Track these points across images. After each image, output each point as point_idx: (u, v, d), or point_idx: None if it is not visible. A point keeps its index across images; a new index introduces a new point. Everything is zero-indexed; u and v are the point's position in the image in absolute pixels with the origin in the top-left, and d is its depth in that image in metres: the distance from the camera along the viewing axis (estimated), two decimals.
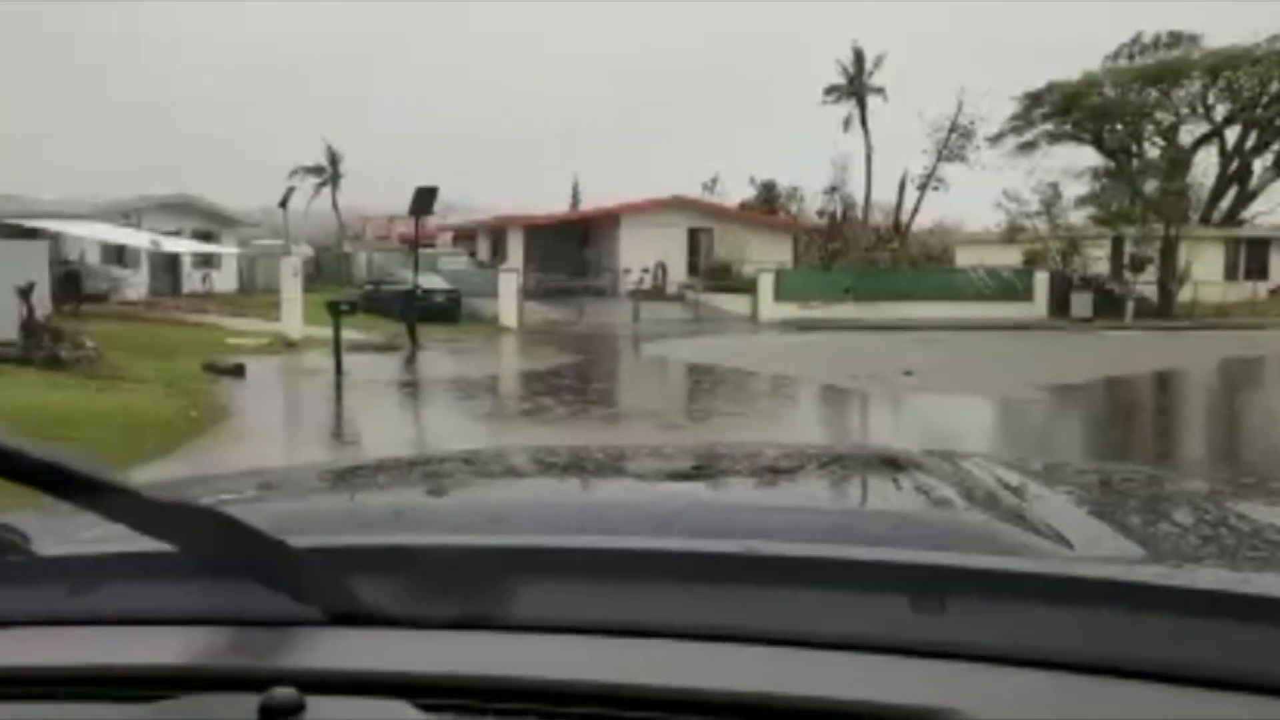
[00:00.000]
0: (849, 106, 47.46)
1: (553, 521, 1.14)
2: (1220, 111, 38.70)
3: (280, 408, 14.84)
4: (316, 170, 60.41)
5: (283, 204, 31.91)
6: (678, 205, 38.58)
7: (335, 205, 60.81)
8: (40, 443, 0.73)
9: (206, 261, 36.29)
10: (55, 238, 28.28)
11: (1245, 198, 40.20)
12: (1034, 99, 39.72)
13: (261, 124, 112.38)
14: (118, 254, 31.98)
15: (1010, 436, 12.63)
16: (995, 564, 0.87)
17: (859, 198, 45.84)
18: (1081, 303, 31.83)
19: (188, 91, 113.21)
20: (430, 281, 28.17)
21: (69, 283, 25.58)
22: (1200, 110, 38.82)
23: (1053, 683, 0.73)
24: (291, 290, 23.12)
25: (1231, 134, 39.24)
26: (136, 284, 32.04)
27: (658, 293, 34.88)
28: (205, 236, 36.42)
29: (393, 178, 71.53)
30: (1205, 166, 38.33)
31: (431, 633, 0.81)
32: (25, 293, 15.07)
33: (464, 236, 45.88)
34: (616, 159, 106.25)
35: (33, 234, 24.78)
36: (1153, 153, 38.44)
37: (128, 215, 33.09)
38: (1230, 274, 35.86)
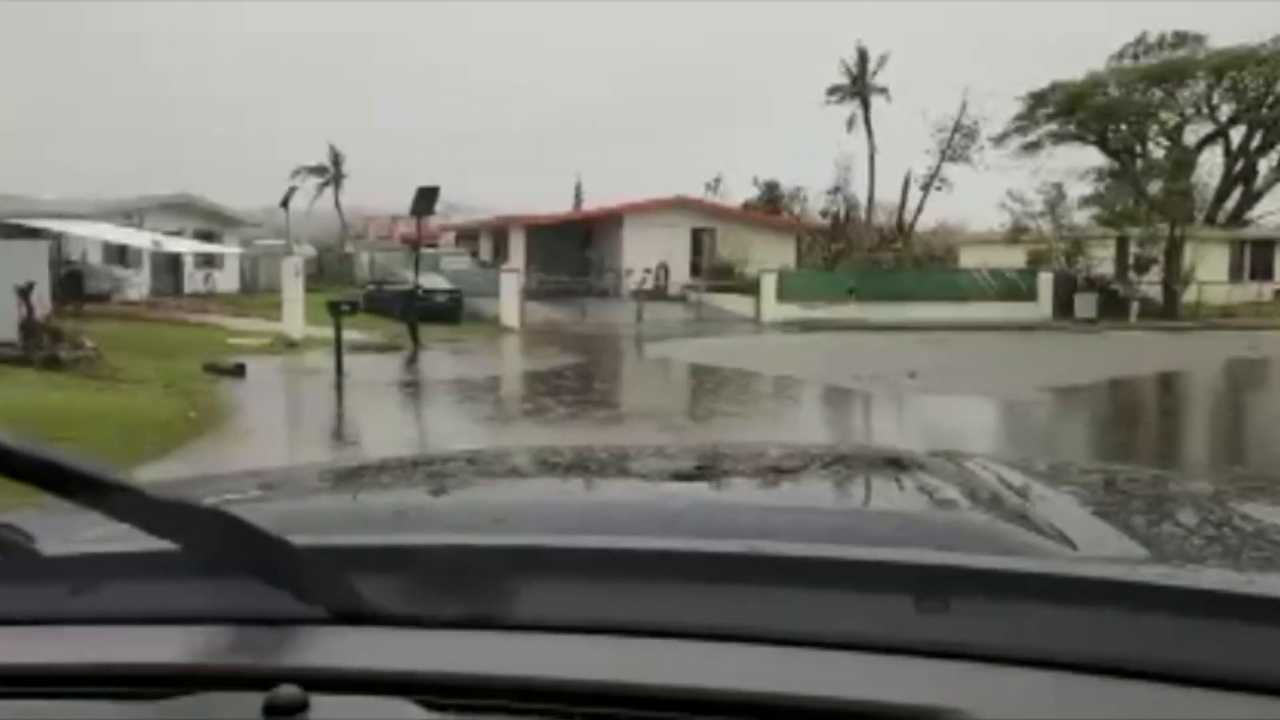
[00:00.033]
0: (852, 106, 47.40)
1: (556, 521, 1.14)
2: (1225, 111, 38.61)
3: (280, 409, 14.76)
4: (319, 170, 60.42)
5: (284, 204, 31.84)
6: (680, 205, 38.49)
7: (338, 205, 60.80)
8: (40, 443, 0.73)
9: (209, 261, 36.27)
10: (58, 238, 28.26)
11: (1250, 198, 40.09)
12: (1038, 99, 39.61)
13: (264, 124, 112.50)
14: (120, 254, 31.96)
15: (1015, 439, 12.54)
16: (999, 564, 0.87)
17: (862, 198, 45.79)
18: (1086, 303, 31.71)
19: (190, 92, 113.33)
20: (432, 281, 28.10)
21: (71, 283, 25.58)
22: (1205, 110, 38.70)
23: (1057, 683, 0.72)
24: (293, 290, 23.07)
25: (1236, 134, 39.18)
26: (138, 284, 32.01)
27: (660, 293, 34.79)
28: (207, 237, 36.39)
29: (395, 178, 71.46)
30: (1210, 167, 38.32)
31: (435, 632, 0.81)
32: (24, 293, 15.01)
33: (466, 236, 45.84)
34: (620, 159, 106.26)
35: (34, 234, 24.73)
36: (1157, 153, 38.30)
37: (130, 215, 33.06)
38: (1235, 275, 35.77)
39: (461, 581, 0.85)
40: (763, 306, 32.21)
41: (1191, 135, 38.61)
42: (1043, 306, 32.53)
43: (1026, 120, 40.23)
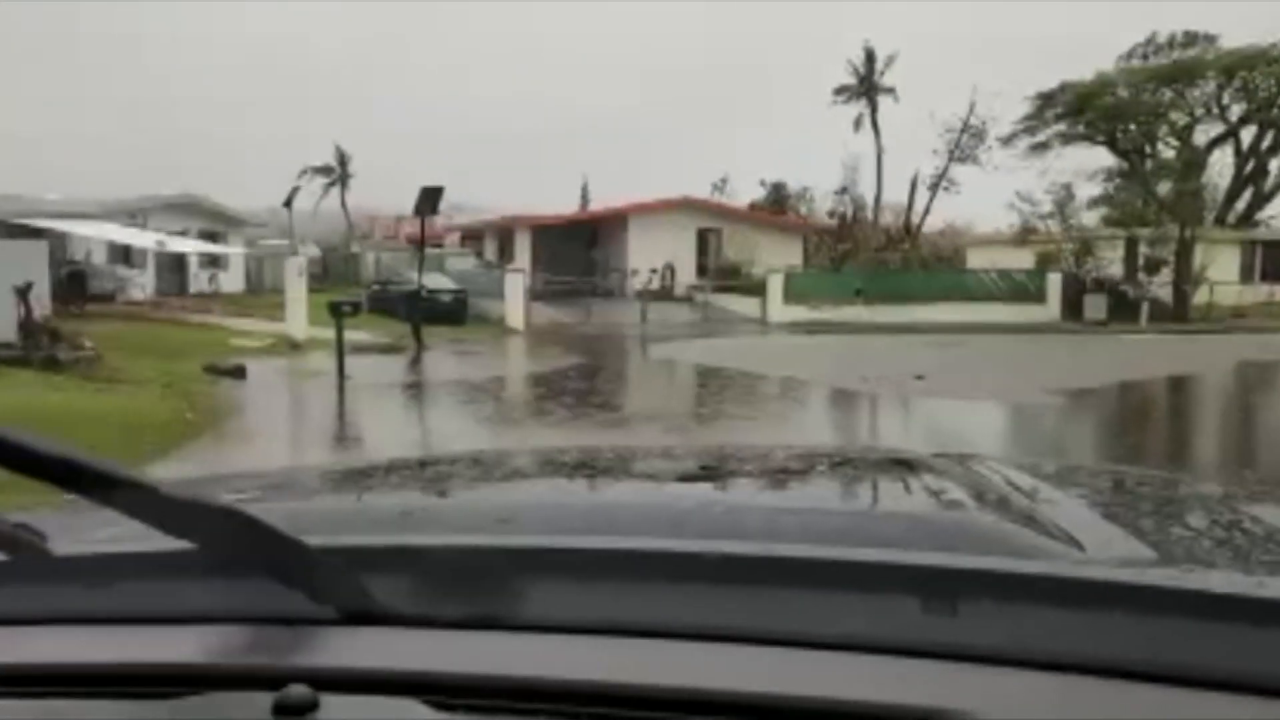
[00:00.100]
0: (859, 106, 47.19)
1: (564, 522, 1.15)
2: (1236, 111, 38.28)
3: (279, 410, 14.61)
4: (325, 170, 60.38)
5: (287, 204, 31.71)
6: (686, 206, 38.31)
7: (344, 205, 60.76)
8: (58, 441, 0.74)
9: (213, 262, 36.20)
10: (61, 238, 28.19)
11: (1261, 199, 39.80)
12: (1046, 99, 39.37)
13: (269, 124, 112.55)
14: (124, 254, 31.88)
15: (1024, 443, 12.35)
16: (1006, 566, 0.87)
17: (869, 198, 45.59)
18: (1095, 305, 31.44)
19: (195, 92, 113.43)
20: (436, 282, 27.97)
21: (74, 283, 25.50)
22: (1215, 110, 38.41)
23: (1064, 685, 0.73)
24: (296, 291, 22.95)
25: (1247, 134, 38.85)
26: (142, 284, 31.96)
27: (666, 294, 34.63)
28: (211, 237, 36.32)
29: (401, 178, 71.47)
30: (1220, 167, 38.04)
31: (444, 632, 0.82)
32: (23, 293, 14.88)
33: (471, 236, 45.69)
34: (626, 159, 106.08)
35: (37, 234, 24.66)
36: (1167, 153, 38.06)
37: (134, 215, 32.98)
38: (1246, 276, 35.46)
39: (470, 582, 0.85)
40: (769, 307, 32.00)
41: (1201, 135, 38.34)
42: (1051, 308, 32.25)
43: (1035, 120, 39.99)
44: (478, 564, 0.88)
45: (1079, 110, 38.17)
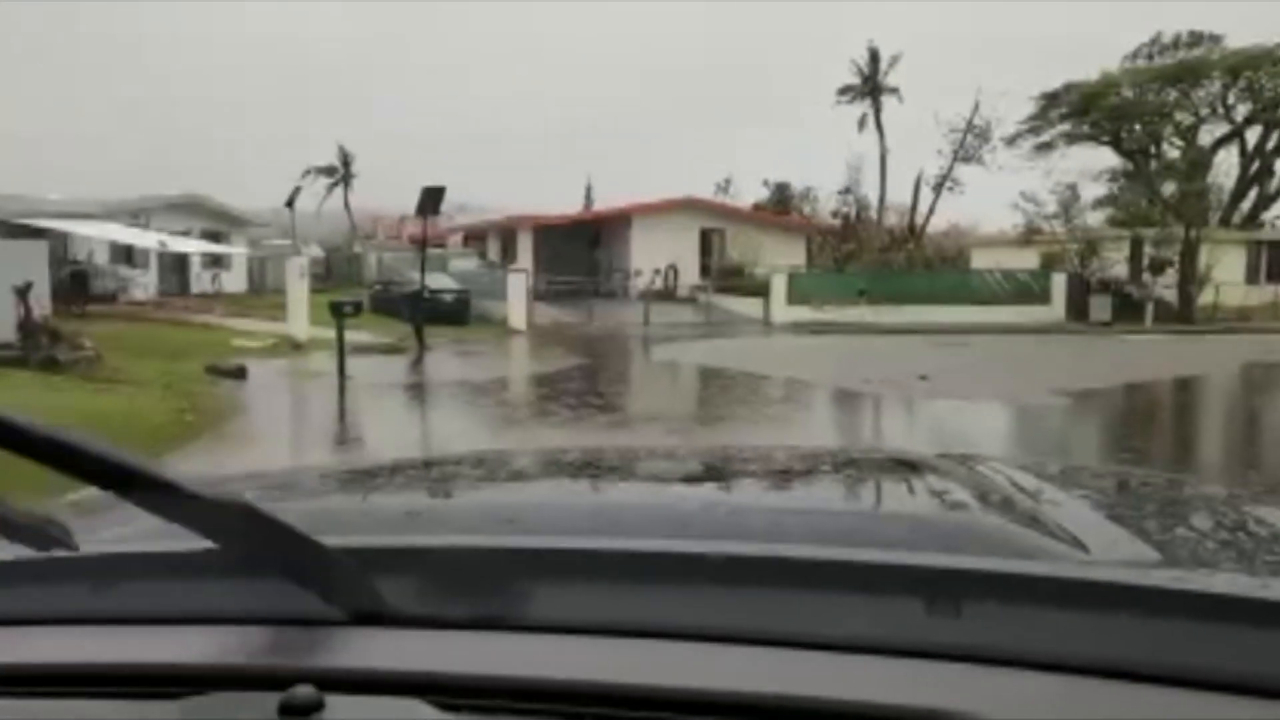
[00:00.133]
0: (864, 106, 47.07)
1: (569, 523, 1.16)
2: (1241, 112, 38.13)
3: (278, 412, 14.52)
4: (329, 170, 60.34)
5: (289, 204, 31.70)
6: (690, 206, 38.22)
7: (347, 206, 60.70)
8: (85, 435, 0.75)
9: (216, 262, 36.17)
10: (64, 238, 28.16)
11: (1266, 199, 39.61)
12: (1051, 99, 39.26)
13: (273, 125, 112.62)
14: (126, 254, 31.85)
15: (1029, 445, 12.25)
16: (1011, 567, 0.87)
17: (873, 199, 45.46)
18: (1100, 306, 31.31)
19: (199, 92, 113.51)
20: (439, 282, 27.92)
21: (76, 283, 25.45)
22: (1221, 111, 38.25)
23: (1068, 686, 0.73)
24: (298, 291, 22.89)
25: (1252, 135, 38.65)
26: (145, 284, 31.92)
27: (669, 294, 34.55)
28: (214, 237, 36.29)
29: (405, 178, 71.49)
30: (1226, 167, 37.83)
31: (449, 633, 0.82)
32: (22, 293, 14.81)
33: (475, 237, 45.64)
34: (630, 160, 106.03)
35: (40, 234, 24.62)
36: (1172, 154, 37.89)
37: (136, 215, 32.97)
38: (1251, 277, 35.30)
39: (476, 583, 0.85)
40: (772, 308, 31.88)
41: (1207, 136, 38.17)
42: (1056, 309, 32.13)
43: (1039, 120, 39.88)
44: (484, 565, 0.88)
45: (1084, 110, 38.06)
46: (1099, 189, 36.98)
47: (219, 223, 37.71)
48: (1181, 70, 37.36)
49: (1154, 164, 37.29)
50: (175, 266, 34.72)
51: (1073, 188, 34.85)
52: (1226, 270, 32.25)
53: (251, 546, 0.81)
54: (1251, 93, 37.41)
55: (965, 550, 0.93)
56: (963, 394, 15.81)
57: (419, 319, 22.15)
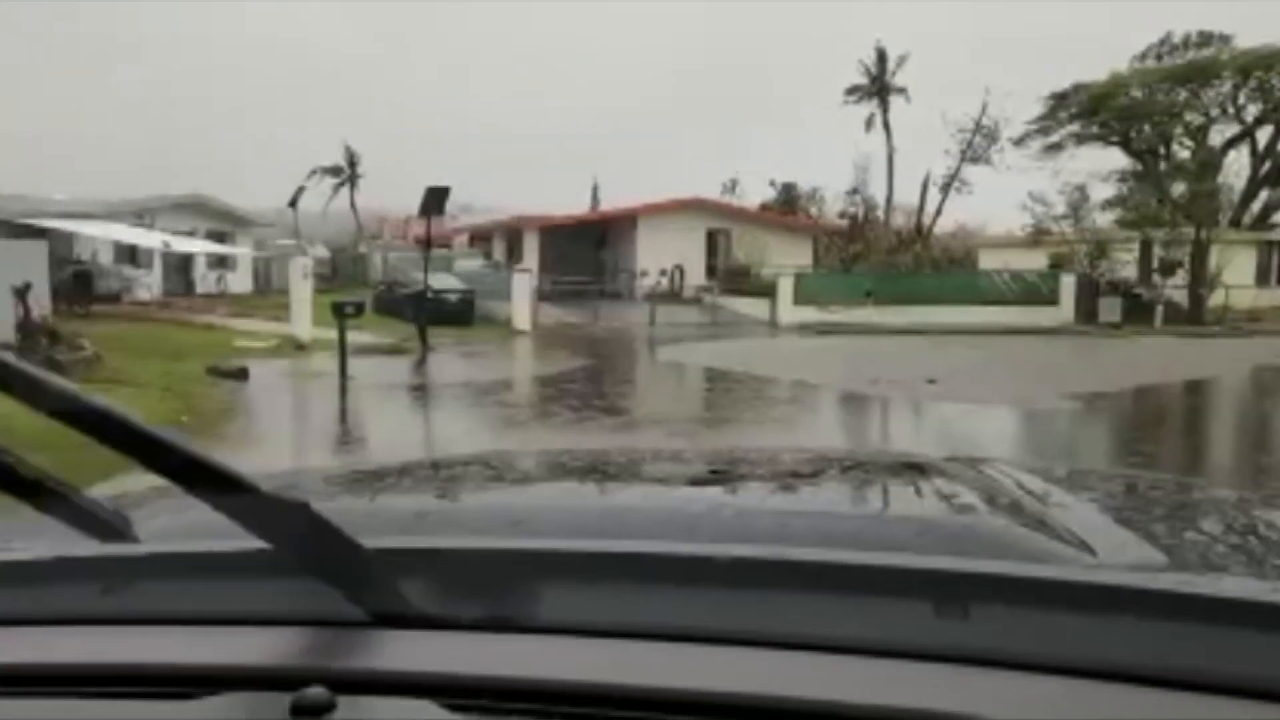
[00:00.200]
0: (871, 107, 46.88)
1: (577, 525, 1.16)
2: (1251, 112, 37.87)
3: (277, 413, 14.39)
4: (335, 171, 60.26)
5: (292, 204, 31.72)
6: (696, 206, 38.05)
7: (353, 206, 60.62)
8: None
9: (221, 262, 36.10)
10: (68, 238, 28.10)
11: (1278, 200, 39.31)
12: (1060, 99, 39.05)
13: (280, 125, 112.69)
14: (131, 254, 31.79)
15: (1039, 450, 12.07)
16: (1018, 570, 0.87)
17: (880, 199, 45.27)
18: (1109, 307, 31.05)
19: (204, 93, 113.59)
20: (443, 283, 27.79)
21: (80, 283, 25.40)
22: (1231, 111, 38.01)
23: (1075, 689, 0.73)
24: (301, 292, 22.78)
25: (1263, 135, 38.36)
26: (149, 284, 31.86)
27: (674, 295, 34.36)
28: (219, 237, 36.24)
29: (411, 178, 71.36)
30: (1236, 168, 37.55)
31: (461, 634, 0.82)
32: (21, 293, 14.71)
33: (480, 237, 45.54)
34: (636, 160, 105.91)
35: (44, 234, 24.56)
36: (1182, 154, 37.65)
37: (141, 215, 32.91)
38: (1262, 278, 35.04)
39: (486, 585, 0.85)
40: (779, 309, 31.68)
41: (1217, 136, 37.96)
42: (1065, 310, 31.86)
43: (1048, 121, 39.70)
44: (495, 566, 0.88)
45: (1093, 111, 37.85)
46: (1108, 190, 36.79)
47: (224, 223, 37.66)
48: (1191, 70, 37.12)
49: (1163, 165, 37.06)
50: (180, 267, 34.66)
51: (1081, 188, 34.65)
52: (1237, 272, 31.97)
53: (303, 547, 0.81)
54: (1262, 93, 37.15)
55: (972, 553, 0.93)
56: (971, 397, 15.61)
57: (422, 319, 22.03)
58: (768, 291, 32.49)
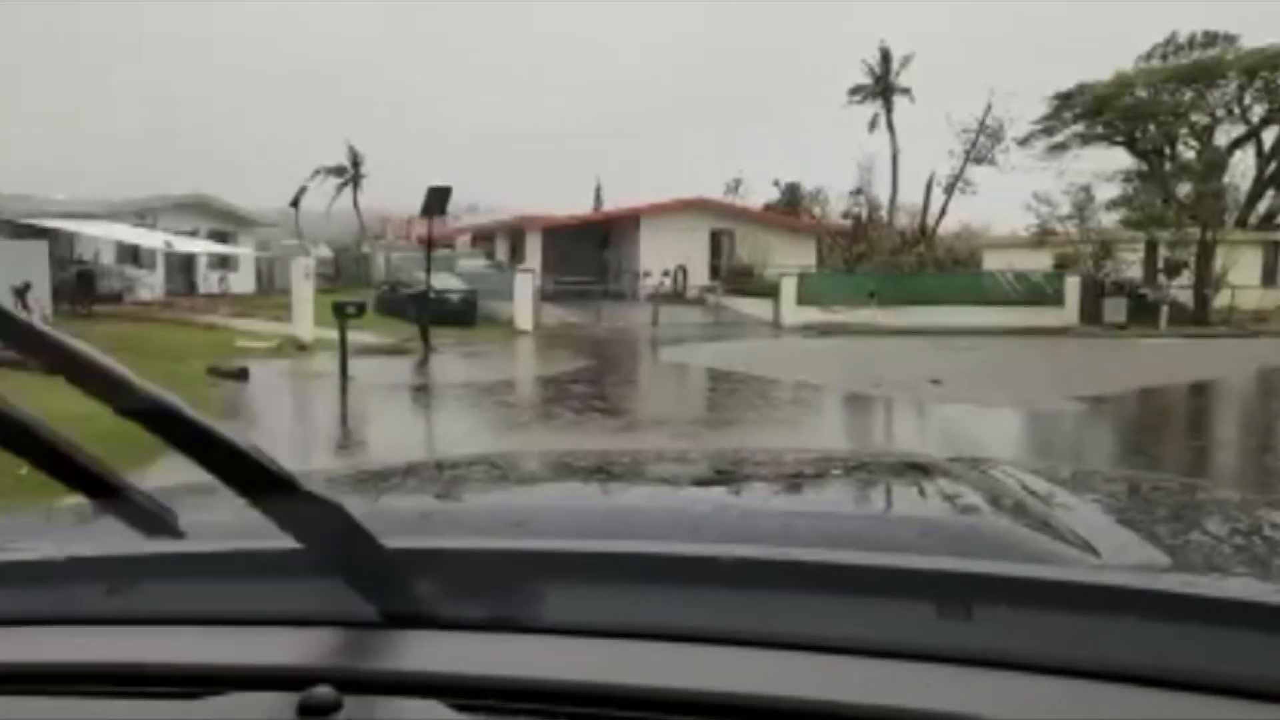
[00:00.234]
0: (875, 107, 46.76)
1: (582, 526, 1.16)
2: (1257, 112, 37.76)
3: (276, 414, 14.32)
4: (338, 170, 60.18)
5: (294, 204, 31.68)
6: (699, 206, 37.97)
7: (356, 206, 60.54)
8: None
9: (223, 262, 36.08)
10: (70, 238, 28.07)
11: None
12: (1064, 99, 38.93)
13: (283, 125, 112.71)
14: (133, 254, 31.76)
15: (1045, 452, 11.98)
16: (1022, 571, 0.87)
17: (884, 199, 45.14)
18: (1114, 308, 30.92)
19: (208, 93, 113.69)
20: (445, 283, 27.74)
21: (82, 282, 25.38)
22: (1237, 111, 37.87)
23: (1078, 691, 0.73)
24: (303, 292, 22.74)
25: (1269, 135, 38.26)
26: (151, 284, 31.84)
27: (677, 296, 34.28)
28: (222, 237, 36.22)
29: (415, 178, 71.31)
30: (1242, 169, 37.41)
31: (468, 634, 0.82)
32: (20, 293, 14.66)
33: (483, 237, 45.47)
34: (640, 160, 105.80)
35: (46, 234, 24.53)
36: (1187, 154, 37.50)
37: (143, 215, 32.89)
38: (1268, 279, 34.90)
39: (494, 585, 0.85)
40: (782, 310, 31.60)
41: (1223, 136, 37.81)
42: (1069, 311, 31.73)
43: (1053, 121, 39.60)
44: (501, 567, 0.88)
45: (1097, 111, 37.75)
46: (1113, 190, 36.66)
47: (226, 223, 37.63)
48: (1196, 70, 37.00)
49: (1169, 165, 36.91)
50: (182, 267, 34.64)
51: (1086, 189, 34.55)
52: (1242, 272, 31.84)
53: (332, 548, 0.81)
54: (1268, 93, 37.03)
55: (976, 554, 0.93)
56: (976, 399, 15.51)
57: (424, 320, 21.97)
58: (771, 292, 32.41)
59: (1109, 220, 35.13)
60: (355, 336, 17.28)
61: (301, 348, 20.74)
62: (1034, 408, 14.70)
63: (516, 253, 38.50)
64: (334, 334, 17.20)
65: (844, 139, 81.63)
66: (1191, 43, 39.04)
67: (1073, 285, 32.22)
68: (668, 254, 35.58)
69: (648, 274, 35.14)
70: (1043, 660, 0.74)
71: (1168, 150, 38.18)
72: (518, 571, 0.88)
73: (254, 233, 39.68)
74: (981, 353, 22.08)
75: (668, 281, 35.08)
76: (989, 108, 41.66)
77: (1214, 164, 34.75)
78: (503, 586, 0.86)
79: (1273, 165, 38.40)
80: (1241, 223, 36.68)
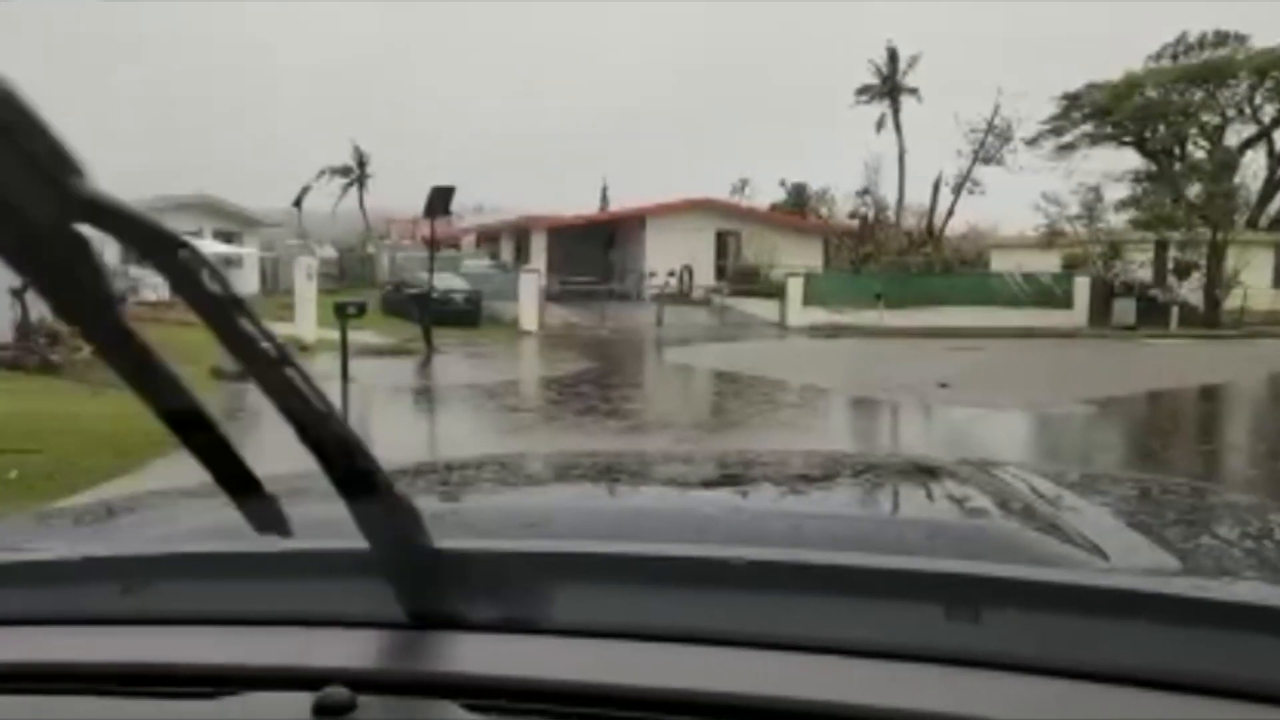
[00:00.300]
0: (882, 107, 46.56)
1: (592, 527, 1.18)
2: (1268, 113, 37.51)
3: (275, 415, 14.18)
4: (344, 171, 60.12)
5: (297, 204, 31.60)
6: (705, 207, 37.81)
7: (362, 206, 60.47)
8: None
9: (227, 263, 35.99)
10: None
11: None
12: (1073, 100, 38.69)
13: (288, 124, 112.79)
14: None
15: (1053, 455, 11.79)
16: (1030, 574, 0.87)
17: (891, 200, 44.91)
18: (1124, 310, 30.69)
19: (211, 92, 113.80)
20: (449, 283, 27.62)
21: None
22: (1248, 111, 37.60)
23: (1087, 694, 0.73)
24: (306, 292, 22.64)
25: None
26: (154, 285, 31.74)
27: (683, 296, 34.13)
28: (227, 237, 36.15)
29: (420, 178, 71.23)
30: (1253, 169, 37.18)
31: (481, 635, 0.83)
32: (19, 294, 14.52)
33: (488, 237, 45.35)
34: (647, 161, 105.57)
35: None
36: (1197, 155, 37.24)
37: None
38: (1279, 280, 34.61)
39: (505, 587, 0.86)
40: (788, 311, 31.41)
41: (1233, 137, 37.61)
42: (1078, 312, 31.50)
43: (1061, 121, 39.37)
44: (510, 569, 0.88)
45: (1106, 111, 37.52)
46: (1122, 190, 36.48)
47: (231, 223, 37.56)
48: (1207, 70, 36.77)
49: (1179, 165, 36.67)
50: None
51: (1095, 189, 34.36)
52: (1253, 274, 31.58)
53: (395, 548, 0.81)
54: (1279, 93, 36.73)
55: (984, 556, 0.93)
56: (984, 402, 15.32)
57: (427, 320, 21.85)
58: (777, 293, 32.23)
59: (1118, 221, 34.97)
60: (357, 337, 17.15)
61: (304, 348, 20.60)
62: (1042, 411, 14.51)
63: (521, 253, 38.37)
64: (337, 334, 17.06)
65: (850, 139, 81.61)
66: (1202, 43, 38.79)
67: (1082, 286, 31.98)
68: (673, 254, 35.41)
69: (653, 274, 34.97)
70: (1051, 663, 0.74)
71: (1178, 150, 37.96)
72: (531, 573, 0.88)
73: (259, 233, 39.61)
74: (989, 355, 21.90)
75: (673, 282, 34.91)
76: (997, 108, 41.43)
77: (1225, 164, 34.52)
78: (516, 588, 0.86)
79: None
80: (1252, 223, 36.41)
